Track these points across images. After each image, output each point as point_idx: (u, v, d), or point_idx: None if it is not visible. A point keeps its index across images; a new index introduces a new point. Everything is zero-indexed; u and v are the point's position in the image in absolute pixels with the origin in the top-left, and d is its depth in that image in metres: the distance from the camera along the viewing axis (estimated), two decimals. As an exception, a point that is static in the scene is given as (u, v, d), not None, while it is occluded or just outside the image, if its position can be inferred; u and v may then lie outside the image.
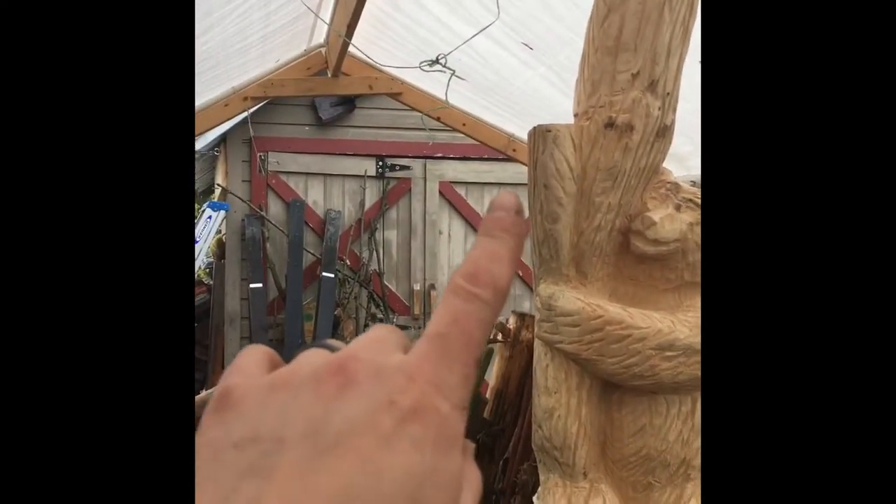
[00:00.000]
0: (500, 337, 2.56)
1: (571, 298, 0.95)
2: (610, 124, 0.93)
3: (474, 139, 3.29)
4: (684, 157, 2.66)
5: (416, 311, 4.81)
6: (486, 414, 2.55)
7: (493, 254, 0.34)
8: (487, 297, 0.33)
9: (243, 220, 4.63)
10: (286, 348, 4.39)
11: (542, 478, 1.03)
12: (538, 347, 1.01)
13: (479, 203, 4.95)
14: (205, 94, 2.84)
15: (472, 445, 0.34)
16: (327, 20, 2.59)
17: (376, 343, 0.33)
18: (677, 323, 0.95)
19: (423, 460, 0.29)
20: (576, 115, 0.98)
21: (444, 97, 2.51)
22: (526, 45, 2.13)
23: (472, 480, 0.33)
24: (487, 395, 2.59)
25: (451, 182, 4.90)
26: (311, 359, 0.32)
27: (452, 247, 4.93)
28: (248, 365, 0.33)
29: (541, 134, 0.94)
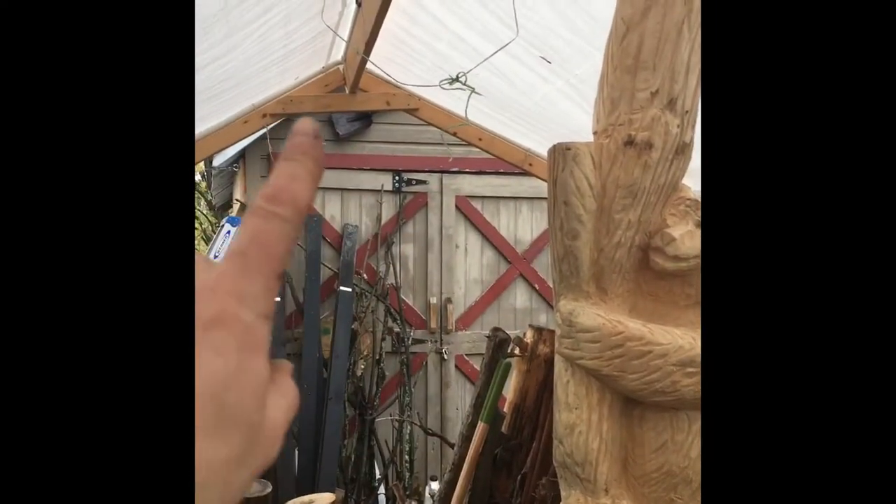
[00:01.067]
0: (517, 351, 2.56)
1: (592, 314, 0.96)
2: (629, 142, 0.94)
3: (491, 154, 3.31)
4: (698, 172, 2.66)
5: (433, 324, 4.81)
6: (503, 429, 2.54)
7: (292, 175, 0.36)
8: (287, 215, 0.35)
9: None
10: (304, 362, 4.41)
11: (563, 494, 1.04)
12: (559, 363, 1.01)
13: (496, 217, 4.96)
14: (225, 111, 2.88)
15: (288, 364, 0.36)
16: (346, 38, 2.63)
17: None
18: (698, 339, 0.95)
19: (226, 364, 0.30)
20: (595, 133, 0.99)
21: (461, 113, 2.53)
22: (544, 58, 2.14)
23: (288, 394, 0.34)
24: (505, 410, 2.58)
25: (467, 196, 4.91)
26: None
27: (469, 261, 4.94)
28: None
29: (560, 152, 0.95)
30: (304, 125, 0.37)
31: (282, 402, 0.34)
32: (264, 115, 3.02)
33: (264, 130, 3.82)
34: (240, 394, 0.31)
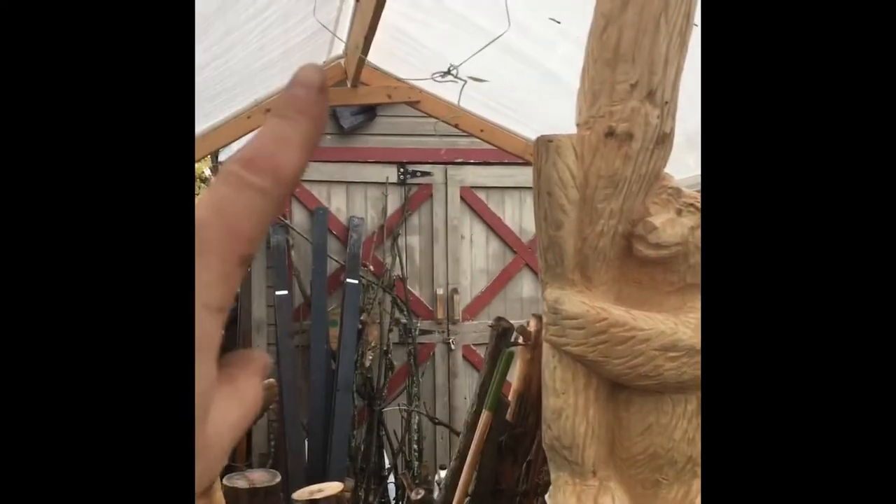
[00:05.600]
0: (520, 340, 2.58)
1: (576, 302, 0.99)
2: (610, 133, 0.96)
3: (492, 144, 3.33)
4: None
5: (440, 315, 4.85)
6: (508, 416, 2.57)
7: (279, 136, 0.28)
8: (264, 185, 0.28)
9: (268, 228, 4.70)
10: (312, 354, 4.46)
11: (552, 476, 1.07)
12: (546, 350, 1.04)
13: (500, 207, 4.98)
14: (229, 107, 2.91)
15: (260, 358, 0.31)
16: (345, 32, 2.65)
17: None
18: (680, 324, 0.97)
19: None
20: (577, 126, 1.01)
21: (464, 105, 2.54)
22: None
23: (246, 398, 0.30)
24: (509, 398, 2.61)
25: (471, 187, 4.93)
26: None
27: (475, 251, 4.97)
28: None
29: (543, 144, 0.98)
30: (306, 73, 0.29)
31: (232, 410, 0.29)
32: (267, 111, 3.05)
33: (268, 125, 3.82)
34: None
